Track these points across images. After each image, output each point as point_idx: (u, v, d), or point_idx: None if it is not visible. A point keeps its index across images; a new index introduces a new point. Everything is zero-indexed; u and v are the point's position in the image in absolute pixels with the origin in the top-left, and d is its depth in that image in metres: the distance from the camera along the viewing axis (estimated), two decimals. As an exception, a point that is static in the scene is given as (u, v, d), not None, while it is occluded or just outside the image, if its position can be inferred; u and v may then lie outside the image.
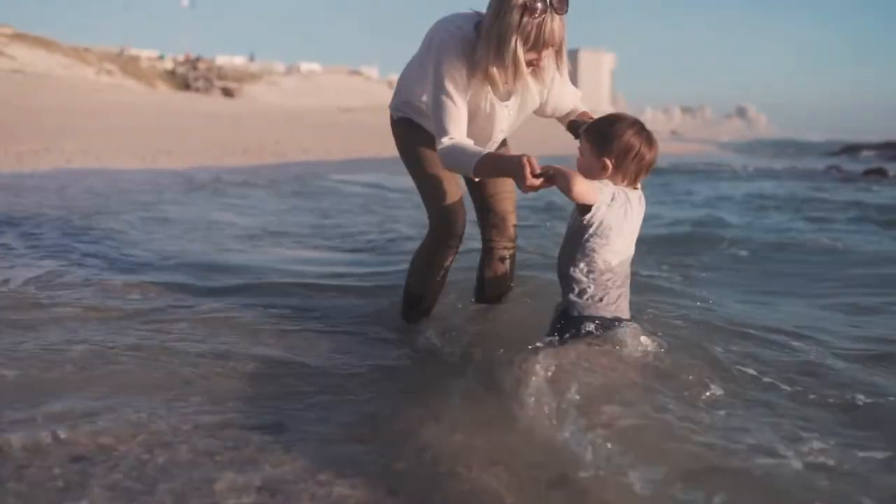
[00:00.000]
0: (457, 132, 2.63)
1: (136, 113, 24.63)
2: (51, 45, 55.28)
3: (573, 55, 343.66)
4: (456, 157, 2.62)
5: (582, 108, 2.92)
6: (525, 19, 2.44)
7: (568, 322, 2.43)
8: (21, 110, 19.80)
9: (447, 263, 3.10)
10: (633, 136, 2.35)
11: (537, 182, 2.34)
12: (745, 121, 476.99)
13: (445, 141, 2.64)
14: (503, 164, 2.49)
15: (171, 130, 19.55)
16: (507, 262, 3.19)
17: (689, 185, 14.18)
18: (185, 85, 61.50)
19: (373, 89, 67.93)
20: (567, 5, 2.48)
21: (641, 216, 2.45)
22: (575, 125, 2.77)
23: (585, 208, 2.34)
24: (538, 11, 2.43)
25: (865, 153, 36.37)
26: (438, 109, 2.65)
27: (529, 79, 2.65)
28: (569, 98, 2.90)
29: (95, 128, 17.42)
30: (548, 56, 2.56)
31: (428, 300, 3.22)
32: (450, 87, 2.62)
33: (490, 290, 3.23)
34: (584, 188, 2.28)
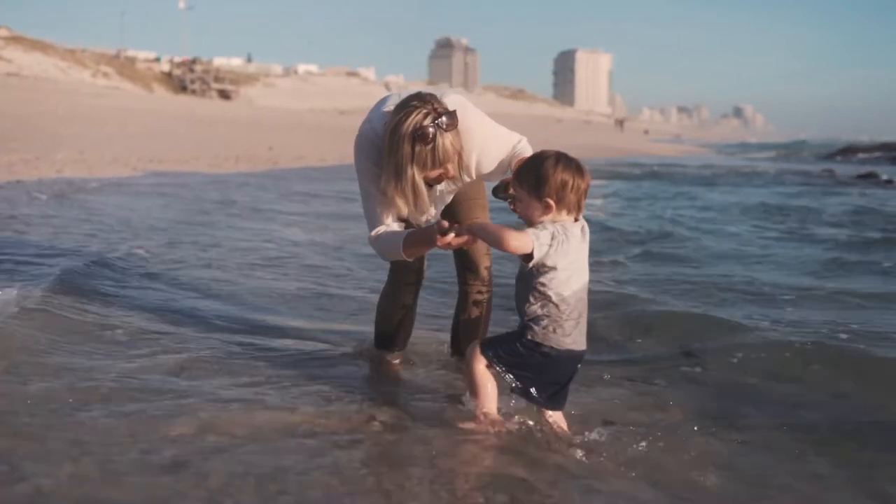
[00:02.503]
0: (382, 225, 2.77)
1: (132, 119, 24.62)
2: (47, 47, 55.30)
3: (570, 56, 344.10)
4: (384, 245, 2.77)
5: (522, 153, 2.87)
6: (418, 148, 2.51)
7: (524, 346, 2.53)
8: (16, 117, 19.77)
9: (407, 301, 3.24)
10: (563, 172, 2.44)
11: (448, 239, 2.50)
12: (742, 120, 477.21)
13: (373, 235, 2.79)
14: (421, 235, 2.66)
15: (166, 137, 19.56)
16: (482, 306, 3.22)
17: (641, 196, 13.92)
18: (181, 87, 61.50)
19: (370, 90, 67.92)
20: (456, 120, 2.55)
21: (586, 247, 2.53)
22: (494, 189, 2.80)
23: (528, 256, 2.43)
24: (429, 137, 2.50)
25: (861, 155, 36.41)
26: (364, 206, 2.81)
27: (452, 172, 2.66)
28: (495, 158, 2.86)
29: (90, 135, 17.43)
30: (454, 164, 2.61)
31: (397, 337, 3.33)
32: (369, 185, 2.75)
33: (463, 332, 3.27)
34: (518, 242, 2.39)
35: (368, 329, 3.49)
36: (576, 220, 2.51)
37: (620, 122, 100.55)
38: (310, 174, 14.42)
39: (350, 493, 2.14)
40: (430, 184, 2.67)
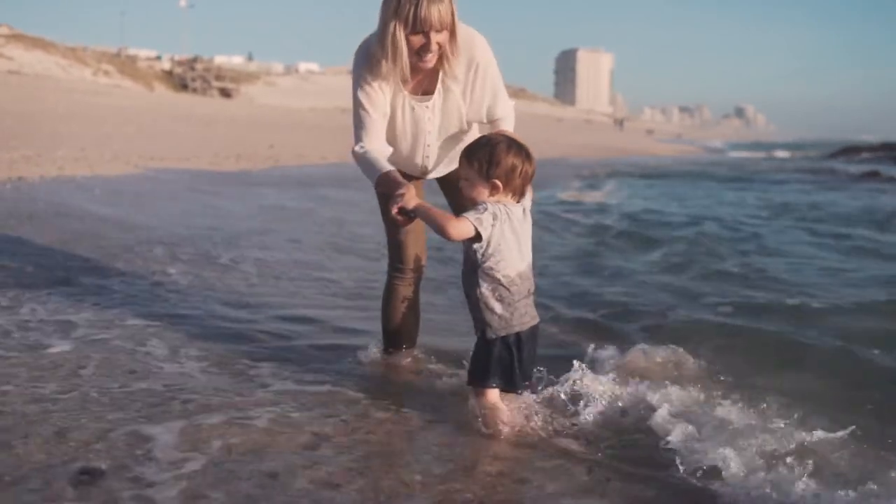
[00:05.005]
0: (369, 141, 2.75)
1: (132, 117, 24.56)
2: (48, 45, 55.21)
3: (571, 55, 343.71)
4: (364, 166, 2.76)
5: (503, 125, 2.88)
6: (402, 2, 2.54)
7: (491, 347, 2.57)
8: (16, 115, 19.73)
9: (407, 293, 3.18)
10: (514, 157, 2.52)
11: (394, 211, 2.52)
12: (744, 120, 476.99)
13: (357, 149, 2.77)
14: (390, 184, 2.63)
15: (167, 136, 19.51)
16: None
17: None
18: (182, 85, 61.46)
19: (371, 90, 67.40)
20: None
21: (529, 227, 2.62)
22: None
23: (475, 238, 2.49)
24: None
25: (864, 155, 36.39)
26: (354, 119, 2.80)
27: (446, 69, 2.71)
28: (487, 106, 2.87)
29: (90, 133, 17.37)
30: (441, 41, 2.62)
31: (402, 333, 3.26)
32: (362, 98, 2.74)
33: None
34: (458, 229, 2.47)
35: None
36: (517, 202, 2.57)
37: (620, 122, 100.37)
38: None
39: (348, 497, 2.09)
40: (419, 55, 2.63)
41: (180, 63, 68.09)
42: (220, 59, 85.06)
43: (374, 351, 3.36)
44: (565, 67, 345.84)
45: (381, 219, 3.07)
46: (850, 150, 39.87)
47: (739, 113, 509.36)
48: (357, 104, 2.76)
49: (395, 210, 2.52)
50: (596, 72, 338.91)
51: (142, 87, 55.68)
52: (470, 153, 2.56)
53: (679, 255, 6.75)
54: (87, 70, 54.56)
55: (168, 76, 64.07)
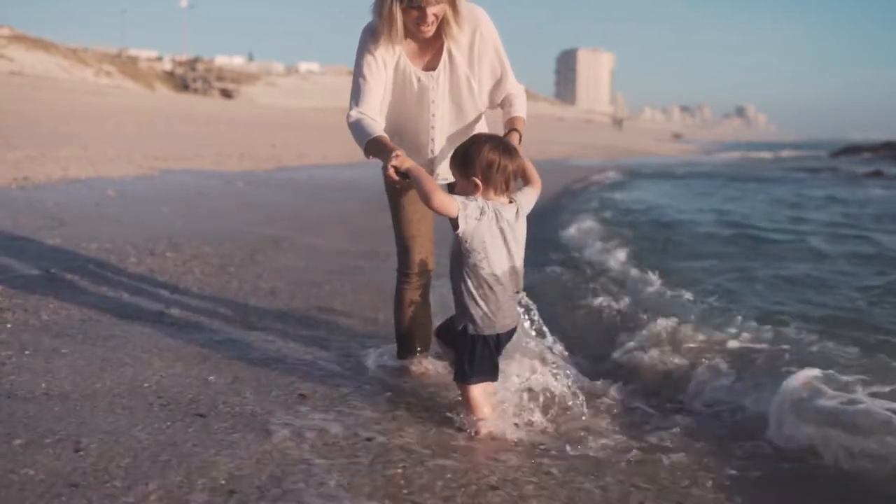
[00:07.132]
0: (364, 106, 2.80)
1: (134, 117, 24.57)
2: (49, 46, 55.24)
3: (572, 55, 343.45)
4: (356, 131, 2.80)
5: (515, 102, 2.93)
6: None
7: (474, 343, 2.58)
8: (19, 115, 19.73)
9: (414, 297, 3.16)
10: (490, 152, 2.50)
11: (390, 171, 2.52)
12: (745, 120, 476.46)
13: (353, 114, 2.83)
14: (382, 149, 2.64)
15: (169, 135, 19.50)
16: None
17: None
18: (183, 86, 61.50)
19: (372, 90, 67.01)
20: None
21: (521, 229, 2.60)
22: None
23: (456, 223, 2.50)
24: None
25: (866, 154, 36.39)
26: (352, 86, 2.85)
27: (452, 36, 2.77)
28: (496, 78, 2.93)
29: (92, 133, 17.37)
30: (437, 13, 2.67)
31: (413, 337, 3.23)
32: (362, 66, 2.80)
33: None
34: (443, 202, 2.45)
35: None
36: (510, 201, 2.57)
37: (619, 122, 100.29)
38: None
39: None
40: (416, 24, 2.69)
41: (181, 63, 68.17)
42: (220, 60, 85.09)
43: (383, 355, 3.32)
44: (566, 67, 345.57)
45: (393, 225, 3.09)
46: (851, 150, 39.87)
47: (740, 112, 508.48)
48: (356, 72, 2.83)
49: (390, 168, 2.52)
50: (596, 71, 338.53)
51: (143, 87, 55.71)
52: (454, 154, 2.60)
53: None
54: (89, 71, 54.58)
55: (169, 77, 64.13)
